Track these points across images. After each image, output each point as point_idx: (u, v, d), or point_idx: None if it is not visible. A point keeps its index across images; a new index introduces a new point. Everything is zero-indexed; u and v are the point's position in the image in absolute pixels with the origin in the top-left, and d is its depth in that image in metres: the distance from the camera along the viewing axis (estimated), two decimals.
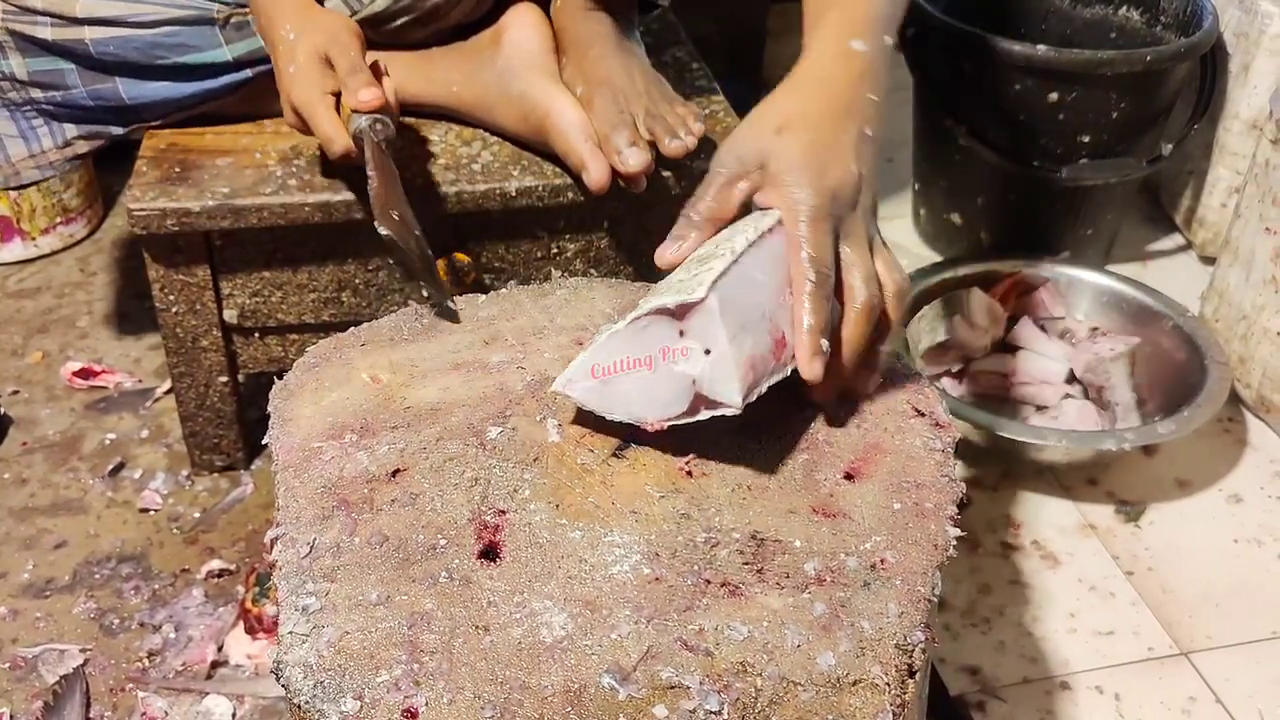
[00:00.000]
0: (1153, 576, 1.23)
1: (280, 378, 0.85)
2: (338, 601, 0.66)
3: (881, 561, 0.70)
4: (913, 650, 0.66)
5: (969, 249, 1.61)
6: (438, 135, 1.20)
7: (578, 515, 0.71)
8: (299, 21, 1.05)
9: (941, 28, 1.52)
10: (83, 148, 1.21)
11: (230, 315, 1.18)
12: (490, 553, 0.69)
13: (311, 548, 0.69)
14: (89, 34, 1.13)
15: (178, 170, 1.14)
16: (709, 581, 0.68)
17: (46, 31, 1.14)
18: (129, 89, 1.16)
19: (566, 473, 0.74)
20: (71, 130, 1.19)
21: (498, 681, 0.62)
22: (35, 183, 1.29)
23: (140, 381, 1.42)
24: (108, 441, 1.33)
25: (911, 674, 0.66)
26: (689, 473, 0.75)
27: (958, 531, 0.73)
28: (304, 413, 0.80)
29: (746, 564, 0.69)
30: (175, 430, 1.32)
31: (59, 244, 1.63)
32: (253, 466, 1.30)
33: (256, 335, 1.21)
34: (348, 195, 1.12)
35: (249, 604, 1.10)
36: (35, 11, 1.13)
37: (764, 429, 0.78)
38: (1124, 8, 1.67)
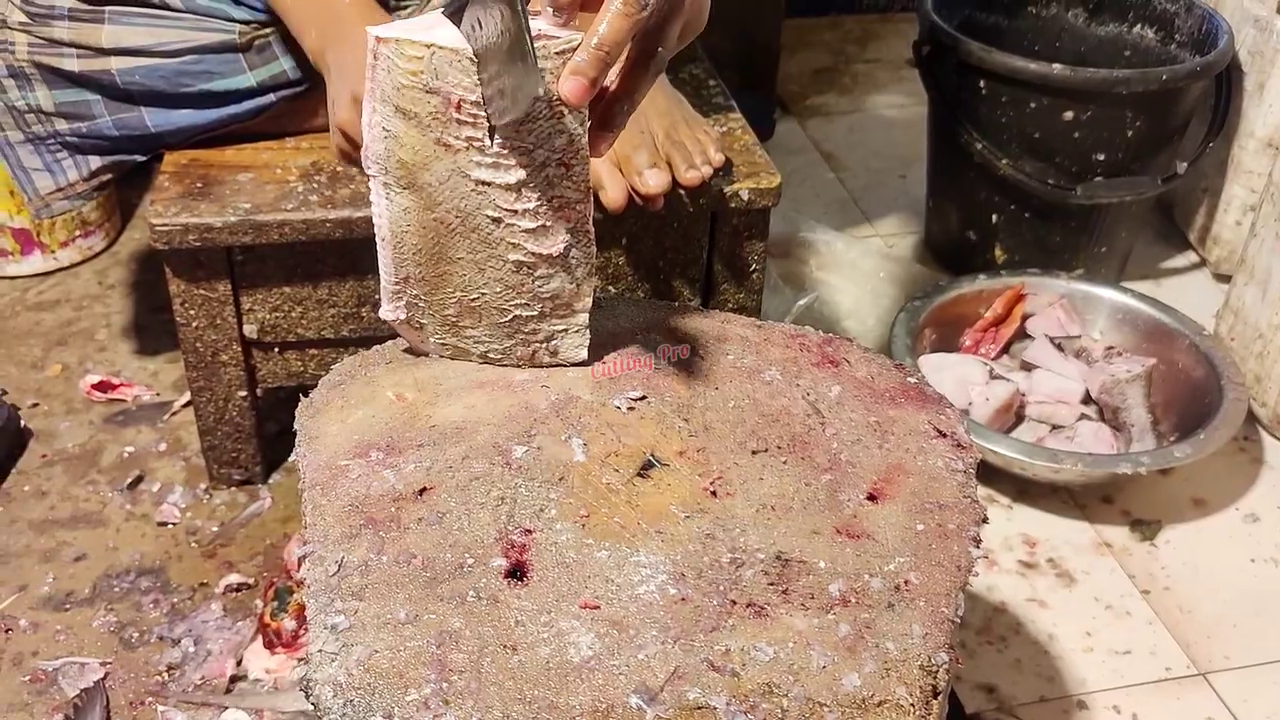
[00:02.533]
0: (1169, 596, 1.23)
1: (302, 393, 0.85)
2: (366, 620, 0.66)
3: (905, 583, 0.70)
4: (937, 671, 0.66)
5: (983, 266, 1.62)
6: None
7: (604, 535, 0.72)
8: (333, 39, 1.05)
9: (956, 45, 1.53)
10: (107, 175, 1.22)
11: (250, 330, 1.19)
12: (518, 572, 0.69)
13: (340, 566, 0.69)
14: (115, 64, 1.14)
15: (199, 186, 1.15)
16: (734, 602, 0.68)
17: (73, 63, 1.15)
18: (154, 117, 1.17)
19: (592, 492, 0.74)
20: (95, 162, 1.20)
21: (526, 701, 0.62)
22: (65, 212, 1.30)
23: (158, 395, 1.42)
24: (126, 454, 1.34)
25: (935, 695, 0.66)
26: (713, 493, 0.75)
27: (980, 553, 0.74)
28: (330, 430, 0.80)
29: (771, 585, 0.69)
30: (193, 444, 1.32)
31: (78, 257, 1.64)
32: (270, 480, 1.30)
33: (276, 350, 1.22)
34: (369, 211, 1.13)
35: (268, 618, 1.10)
36: (62, 43, 1.14)
37: (786, 449, 0.79)
38: (1139, 26, 1.67)
